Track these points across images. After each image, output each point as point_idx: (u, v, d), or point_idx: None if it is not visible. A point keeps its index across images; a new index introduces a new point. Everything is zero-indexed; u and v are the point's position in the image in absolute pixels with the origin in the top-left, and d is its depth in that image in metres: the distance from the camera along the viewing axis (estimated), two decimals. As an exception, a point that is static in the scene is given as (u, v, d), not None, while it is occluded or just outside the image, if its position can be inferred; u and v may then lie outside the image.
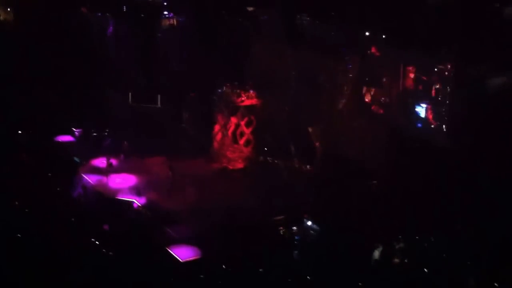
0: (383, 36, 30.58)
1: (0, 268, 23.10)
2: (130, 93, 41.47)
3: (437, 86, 25.91)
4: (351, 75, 33.04)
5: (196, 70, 39.43)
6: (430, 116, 26.58)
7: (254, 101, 36.45)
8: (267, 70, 37.78)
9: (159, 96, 41.05)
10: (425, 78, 26.71)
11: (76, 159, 36.48)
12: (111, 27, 44.61)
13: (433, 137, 26.56)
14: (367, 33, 31.59)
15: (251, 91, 36.28)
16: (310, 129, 34.88)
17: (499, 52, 25.13)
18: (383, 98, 29.51)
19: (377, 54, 30.33)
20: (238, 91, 36.28)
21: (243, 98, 36.26)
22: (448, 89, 25.37)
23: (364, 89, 31.41)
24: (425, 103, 26.75)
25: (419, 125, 27.34)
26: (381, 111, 29.67)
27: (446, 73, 25.32)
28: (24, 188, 30.62)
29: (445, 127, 25.69)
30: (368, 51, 30.92)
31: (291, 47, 35.84)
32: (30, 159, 34.11)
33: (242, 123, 36.74)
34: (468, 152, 25.42)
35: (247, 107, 36.54)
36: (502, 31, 25.45)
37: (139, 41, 42.77)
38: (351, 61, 32.70)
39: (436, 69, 25.83)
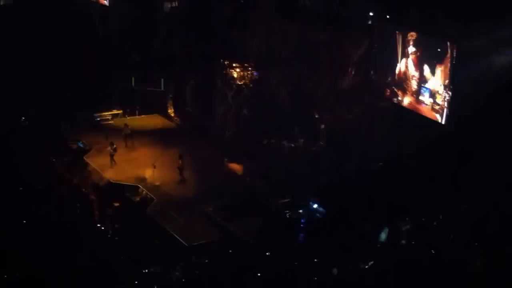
0: (387, 16, 30.28)
1: (4, 253, 23.17)
2: (133, 77, 41.30)
3: (442, 67, 25.63)
4: (357, 55, 32.76)
5: (198, 52, 39.25)
6: (435, 98, 26.36)
7: (257, 82, 36.23)
8: (270, 51, 37.51)
9: (162, 80, 40.90)
10: (429, 60, 26.45)
11: (80, 144, 36.44)
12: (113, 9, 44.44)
13: (439, 118, 26.35)
14: (371, 13, 31.25)
15: (254, 73, 36.04)
16: (314, 110, 34.69)
17: (503, 29, 24.82)
18: (388, 79, 29.26)
19: (382, 32, 29.97)
20: (241, 72, 36.04)
21: (246, 80, 36.06)
22: (452, 71, 25.08)
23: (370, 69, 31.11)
24: (430, 85, 26.49)
25: (424, 106, 27.12)
26: (387, 92, 29.43)
27: (449, 54, 25.02)
28: (28, 174, 30.63)
29: (451, 108, 25.45)
30: (375, 31, 30.55)
31: (295, 26, 35.51)
32: (34, 145, 34.00)
33: (246, 104, 36.55)
34: (473, 133, 25.23)
35: (250, 88, 36.33)
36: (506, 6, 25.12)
37: (140, 23, 42.55)
38: (357, 40, 32.36)
39: (439, 50, 25.53)
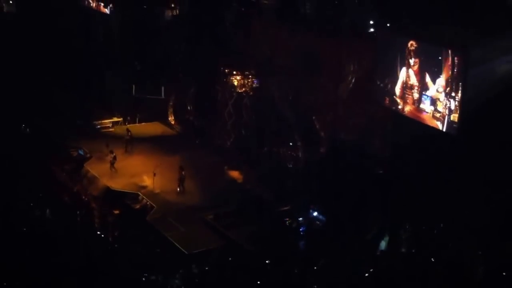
0: (387, 25, 30.29)
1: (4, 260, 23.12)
2: (133, 85, 41.34)
3: (442, 75, 25.59)
4: (357, 62, 32.72)
5: (198, 60, 39.30)
6: (436, 106, 26.30)
7: (258, 90, 36.20)
8: (271, 58, 37.50)
9: (162, 87, 40.93)
10: (430, 67, 26.40)
11: (80, 151, 36.41)
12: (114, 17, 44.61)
13: (439, 126, 26.30)
14: (371, 22, 31.27)
15: (255, 80, 36.03)
16: (315, 118, 34.62)
17: (505, 37, 24.77)
18: (388, 87, 29.24)
19: (383, 41, 29.98)
20: (241, 80, 36.04)
21: (246, 88, 36.04)
22: (454, 78, 25.04)
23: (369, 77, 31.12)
24: (431, 93, 26.44)
25: (425, 114, 27.08)
26: (386, 100, 29.38)
27: (450, 62, 25.00)
28: (29, 182, 30.57)
29: (452, 116, 25.41)
30: (376, 39, 30.57)
31: (295, 34, 35.48)
32: (35, 152, 33.96)
33: (246, 112, 36.53)
34: (475, 140, 25.15)
35: (251, 96, 36.32)
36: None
37: (141, 31, 42.63)
38: (358, 48, 32.33)
39: (440, 57, 25.50)
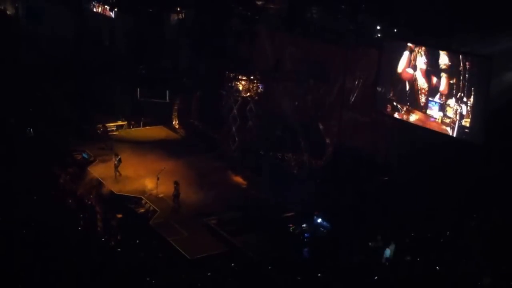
0: (395, 30, 30.14)
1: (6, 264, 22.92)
2: (138, 88, 41.25)
3: (452, 81, 25.39)
4: (363, 69, 32.59)
5: (203, 64, 39.22)
6: (446, 112, 26.11)
7: (263, 95, 36.07)
8: (277, 64, 37.43)
9: (167, 91, 40.84)
10: (439, 73, 26.22)
11: (84, 155, 36.31)
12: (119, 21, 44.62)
13: (449, 132, 26.11)
14: (378, 27, 31.14)
15: (260, 85, 35.91)
16: (320, 124, 34.48)
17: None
18: (391, 94, 29.09)
19: (387, 47, 29.83)
20: (246, 84, 35.90)
21: (251, 92, 35.90)
22: (464, 84, 24.84)
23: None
24: (440, 99, 26.27)
25: (432, 120, 26.89)
26: (388, 108, 29.24)
27: (460, 67, 24.81)
28: (32, 185, 30.39)
29: (464, 121, 25.20)
30: (383, 45, 30.42)
31: (301, 40, 35.44)
32: (39, 156, 33.79)
33: (251, 117, 36.38)
34: (483, 147, 24.99)
35: (256, 101, 36.18)
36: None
37: (146, 35, 42.58)
38: (364, 54, 32.22)
39: (450, 63, 25.32)
